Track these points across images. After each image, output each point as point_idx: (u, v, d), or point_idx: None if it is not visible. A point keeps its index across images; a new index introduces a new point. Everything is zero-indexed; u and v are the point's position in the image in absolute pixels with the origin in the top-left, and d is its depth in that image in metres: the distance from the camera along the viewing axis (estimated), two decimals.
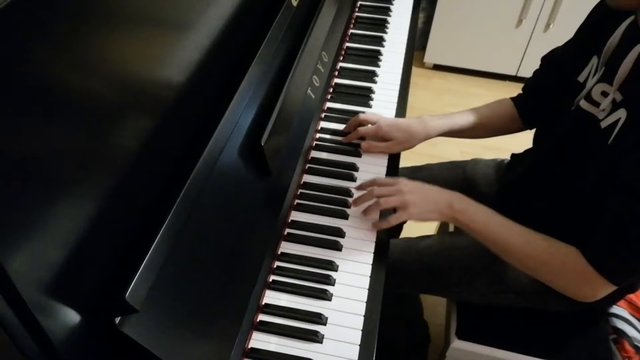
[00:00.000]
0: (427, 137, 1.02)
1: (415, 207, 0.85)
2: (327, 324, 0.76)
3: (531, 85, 1.03)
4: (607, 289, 0.76)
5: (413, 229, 1.27)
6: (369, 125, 1.02)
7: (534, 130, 1.03)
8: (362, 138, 1.04)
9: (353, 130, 1.04)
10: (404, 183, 0.88)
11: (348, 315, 0.77)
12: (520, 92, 1.05)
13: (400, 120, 1.05)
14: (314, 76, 1.00)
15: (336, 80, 1.19)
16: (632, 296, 1.03)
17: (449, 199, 0.86)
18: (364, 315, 0.77)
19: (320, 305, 0.78)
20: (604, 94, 0.79)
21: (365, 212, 0.89)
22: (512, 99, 1.05)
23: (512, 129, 1.06)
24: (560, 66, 0.95)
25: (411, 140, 1.01)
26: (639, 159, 0.70)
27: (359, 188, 0.93)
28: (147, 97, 0.57)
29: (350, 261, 0.84)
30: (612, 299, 0.99)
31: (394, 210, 0.87)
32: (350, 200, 0.92)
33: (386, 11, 1.40)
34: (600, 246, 0.75)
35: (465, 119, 1.04)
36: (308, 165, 0.99)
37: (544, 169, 0.93)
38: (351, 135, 1.03)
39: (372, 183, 0.91)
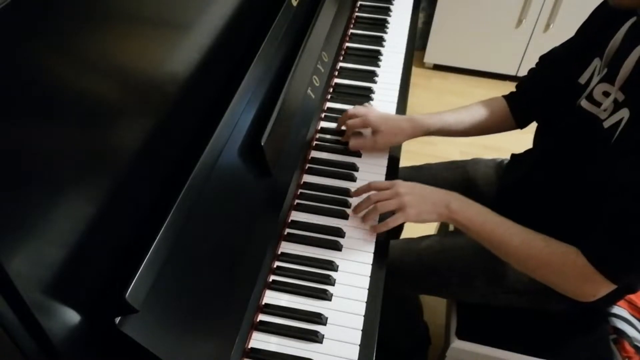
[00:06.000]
0: (415, 135, 1.01)
1: (413, 208, 0.85)
2: (327, 324, 0.76)
3: (526, 83, 1.02)
4: (607, 287, 0.76)
5: (413, 230, 1.26)
6: (357, 119, 1.01)
7: (534, 131, 1.03)
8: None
9: (343, 125, 1.04)
10: (400, 185, 0.87)
11: (348, 315, 0.77)
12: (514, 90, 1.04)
13: (389, 114, 1.05)
14: (314, 76, 1.00)
15: (336, 80, 1.19)
16: (632, 296, 1.03)
17: (447, 199, 0.85)
18: (364, 315, 0.77)
19: (320, 305, 0.78)
20: (606, 94, 0.79)
21: (364, 218, 0.89)
22: (505, 96, 1.04)
23: (505, 127, 1.05)
24: (559, 66, 0.95)
25: (398, 135, 1.00)
26: (638, 159, 0.70)
27: (355, 194, 0.92)
28: (147, 97, 0.57)
29: (350, 261, 0.84)
30: (612, 299, 0.99)
31: (392, 212, 0.87)
32: (350, 200, 0.93)
33: (386, 11, 1.40)
34: (599, 245, 0.75)
35: (455, 118, 1.02)
36: (308, 165, 0.99)
37: (545, 170, 0.93)
38: (346, 135, 1.03)
39: (369, 187, 0.90)
